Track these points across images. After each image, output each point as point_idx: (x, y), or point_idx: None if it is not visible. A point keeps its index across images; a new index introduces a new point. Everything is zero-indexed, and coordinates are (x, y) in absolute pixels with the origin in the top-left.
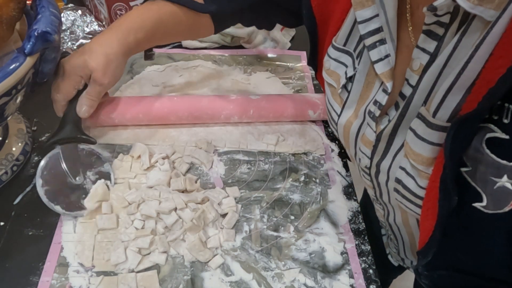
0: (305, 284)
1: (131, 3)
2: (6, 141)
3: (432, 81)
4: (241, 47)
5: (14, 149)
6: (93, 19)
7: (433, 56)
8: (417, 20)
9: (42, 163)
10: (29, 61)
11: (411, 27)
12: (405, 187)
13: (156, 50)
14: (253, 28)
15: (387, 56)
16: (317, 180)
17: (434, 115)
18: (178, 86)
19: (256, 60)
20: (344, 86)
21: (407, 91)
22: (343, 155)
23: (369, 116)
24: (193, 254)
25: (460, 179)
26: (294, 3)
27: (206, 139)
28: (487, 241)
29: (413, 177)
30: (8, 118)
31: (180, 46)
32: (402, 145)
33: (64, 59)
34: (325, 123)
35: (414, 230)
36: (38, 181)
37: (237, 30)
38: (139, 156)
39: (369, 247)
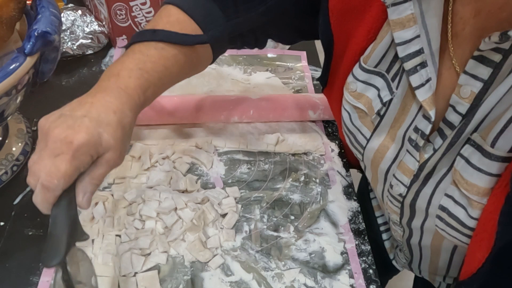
0: (305, 284)
1: (131, 3)
2: (6, 141)
3: (489, 109)
4: None
5: (14, 149)
6: (93, 19)
7: (488, 84)
8: (461, 41)
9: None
10: (29, 61)
11: (452, 49)
12: (451, 215)
13: None
14: None
15: (427, 80)
16: (317, 180)
17: (493, 145)
18: (178, 86)
19: (256, 60)
20: (378, 112)
21: (455, 119)
22: (343, 155)
23: (411, 144)
24: (193, 254)
25: None
26: (305, 22)
27: (206, 139)
28: None
29: (463, 206)
30: (8, 118)
31: None
32: (447, 171)
33: (62, 131)
34: (325, 123)
35: (444, 252)
36: None
37: None
38: (140, 156)
39: (369, 247)
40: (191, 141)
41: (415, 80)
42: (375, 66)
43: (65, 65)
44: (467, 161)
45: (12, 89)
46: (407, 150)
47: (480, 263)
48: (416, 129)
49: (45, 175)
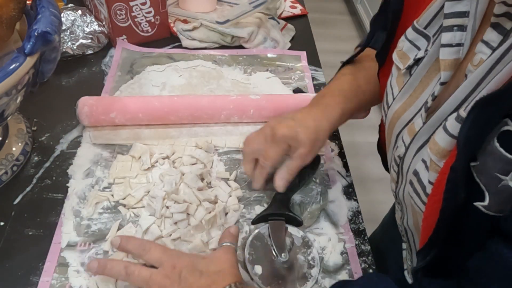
0: None
1: (131, 3)
2: (6, 141)
3: (482, 75)
4: (241, 47)
5: (14, 149)
6: (93, 19)
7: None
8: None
9: (255, 232)
10: (29, 61)
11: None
12: (419, 180)
13: (156, 50)
14: (253, 28)
15: (458, 44)
16: (317, 180)
17: (466, 108)
18: (178, 86)
19: (256, 60)
20: (410, 68)
21: None
22: (343, 155)
23: (424, 107)
24: None
25: (468, 175)
26: None
27: (206, 139)
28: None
29: (428, 170)
30: (8, 118)
31: (180, 46)
32: (429, 138)
33: (274, 124)
34: None
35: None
36: (247, 249)
37: (237, 30)
38: (140, 156)
39: (369, 247)
40: (191, 141)
41: (446, 38)
42: (425, 27)
43: (65, 65)
44: (444, 125)
45: (12, 89)
46: (420, 114)
47: (431, 229)
48: (433, 94)
49: (262, 157)
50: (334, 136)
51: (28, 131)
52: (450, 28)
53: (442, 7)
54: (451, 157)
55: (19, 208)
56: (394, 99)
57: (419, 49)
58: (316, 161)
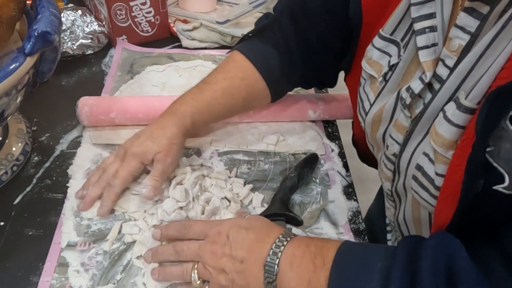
0: None
1: (131, 3)
2: (6, 141)
3: (472, 62)
4: None
5: (14, 149)
6: (93, 19)
7: (474, 37)
8: None
9: None
10: (29, 61)
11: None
12: (425, 174)
13: (156, 50)
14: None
15: (434, 44)
16: (317, 180)
17: (466, 96)
18: (178, 86)
19: None
20: (384, 75)
21: (443, 72)
22: (343, 155)
23: (401, 102)
24: None
25: (484, 162)
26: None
27: (206, 139)
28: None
29: (433, 163)
30: (8, 118)
31: (180, 46)
32: (429, 130)
33: (124, 144)
34: (325, 123)
35: (424, 225)
36: None
37: (237, 30)
38: None
39: None
40: (191, 141)
41: (421, 40)
42: (391, 34)
43: (65, 65)
44: (444, 114)
45: (12, 89)
46: (401, 109)
47: (447, 221)
48: (408, 88)
49: (110, 176)
50: (334, 136)
51: (28, 131)
52: (422, 31)
53: (406, 12)
54: (459, 148)
55: (19, 208)
56: (372, 104)
57: (389, 55)
58: (313, 160)
